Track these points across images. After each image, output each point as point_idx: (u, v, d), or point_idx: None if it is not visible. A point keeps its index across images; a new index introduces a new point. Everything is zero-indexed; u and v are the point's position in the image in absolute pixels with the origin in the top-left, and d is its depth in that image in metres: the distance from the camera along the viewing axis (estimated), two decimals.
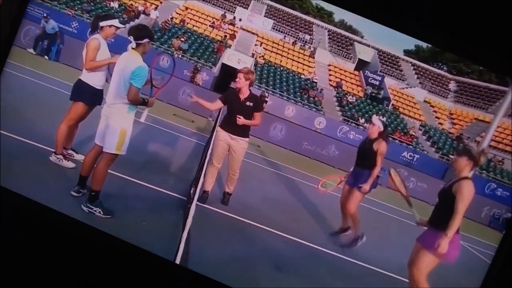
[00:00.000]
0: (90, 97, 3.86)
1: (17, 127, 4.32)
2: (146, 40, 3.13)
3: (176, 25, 19.05)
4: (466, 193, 2.93)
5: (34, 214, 2.18)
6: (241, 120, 4.00)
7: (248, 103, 4.08)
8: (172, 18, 19.55)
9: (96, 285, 2.08)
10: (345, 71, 21.92)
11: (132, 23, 17.16)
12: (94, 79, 3.85)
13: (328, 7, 37.29)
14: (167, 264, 2.14)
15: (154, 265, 2.14)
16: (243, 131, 4.14)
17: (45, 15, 12.46)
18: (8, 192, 2.17)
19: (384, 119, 18.45)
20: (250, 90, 4.15)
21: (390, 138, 16.08)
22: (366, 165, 4.25)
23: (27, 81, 7.63)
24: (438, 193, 3.19)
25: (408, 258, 3.23)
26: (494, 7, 1.86)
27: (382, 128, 4.27)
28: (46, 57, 12.23)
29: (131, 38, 3.09)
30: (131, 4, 19.43)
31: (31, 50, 11.90)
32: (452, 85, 24.07)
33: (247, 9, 23.15)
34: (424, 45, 34.91)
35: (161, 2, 20.98)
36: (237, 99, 4.09)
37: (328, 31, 25.02)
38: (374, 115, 4.63)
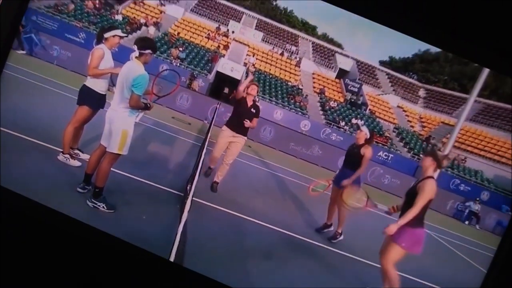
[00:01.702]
0: (95, 101, 3.81)
1: (26, 128, 4.24)
2: (148, 51, 3.09)
3: (180, 39, 18.95)
4: (428, 190, 2.95)
5: (34, 214, 2.00)
6: (247, 123, 4.49)
7: (252, 110, 4.60)
8: (178, 33, 19.42)
9: (95, 284, 1.94)
10: (327, 79, 22.07)
11: (134, 34, 16.99)
12: (98, 85, 3.79)
13: (312, 21, 37.50)
14: (164, 263, 1.99)
15: (151, 263, 2.01)
16: (244, 131, 4.62)
17: None
18: (8, 192, 2.00)
19: (362, 122, 18.64)
20: (252, 99, 4.63)
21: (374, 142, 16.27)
22: (353, 166, 4.31)
23: (40, 87, 7.48)
24: (405, 194, 3.19)
25: (380, 247, 3.27)
26: (494, 7, 1.70)
27: (368, 135, 4.36)
28: (22, 51, 11.28)
29: (135, 47, 3.06)
30: (134, 17, 19.24)
31: (21, 52, 11.17)
32: (421, 92, 24.45)
33: (239, 22, 23.13)
34: (397, 56, 35.41)
35: (161, 13, 20.81)
36: (245, 105, 4.57)
37: (312, 43, 25.16)
38: (364, 126, 4.74)
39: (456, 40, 1.75)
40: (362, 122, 18.64)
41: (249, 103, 4.58)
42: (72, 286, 1.90)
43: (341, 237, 4.43)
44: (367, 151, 4.26)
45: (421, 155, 17.40)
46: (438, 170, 3.15)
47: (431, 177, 3.03)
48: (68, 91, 7.49)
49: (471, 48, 1.76)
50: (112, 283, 1.96)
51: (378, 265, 3.47)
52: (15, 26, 1.85)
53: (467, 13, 1.71)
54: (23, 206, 2.00)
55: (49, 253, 1.90)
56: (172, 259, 1.80)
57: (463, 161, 17.99)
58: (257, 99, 15.90)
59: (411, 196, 3.03)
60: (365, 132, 4.35)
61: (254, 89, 4.57)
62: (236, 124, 4.57)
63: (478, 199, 12.61)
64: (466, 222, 11.97)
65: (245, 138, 4.68)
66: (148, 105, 3.16)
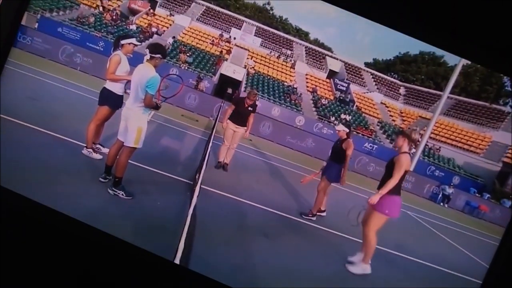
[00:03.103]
0: (113, 101, 3.77)
1: (56, 127, 4.22)
2: (158, 55, 3.05)
3: (188, 45, 18.78)
4: (403, 162, 2.98)
5: (35, 214, 1.78)
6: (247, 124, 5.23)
7: (249, 108, 5.17)
8: (181, 43, 19.22)
9: (95, 284, 1.74)
10: (319, 79, 21.92)
11: (147, 41, 16.84)
12: (116, 87, 3.75)
13: (305, 27, 37.12)
14: (165, 263, 1.78)
15: (152, 263, 1.79)
16: (242, 123, 5.21)
17: None
18: (8, 192, 1.79)
19: (350, 117, 18.57)
20: (251, 102, 5.12)
21: (354, 133, 16.23)
22: (337, 159, 4.34)
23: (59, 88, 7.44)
24: (385, 166, 3.21)
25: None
26: (494, 7, 1.49)
27: (347, 130, 4.38)
28: None
29: (147, 51, 3.03)
30: (146, 27, 19.05)
31: None
32: (402, 90, 24.30)
33: (240, 29, 22.89)
34: (380, 58, 35.15)
35: (170, 25, 20.60)
36: (243, 105, 5.16)
37: (305, 47, 24.93)
38: (340, 124, 4.74)
39: (456, 40, 1.55)
40: (350, 117, 18.57)
41: (247, 104, 5.13)
42: (72, 286, 1.71)
43: (314, 218, 4.41)
44: (348, 145, 4.25)
45: None
46: (413, 145, 3.13)
47: (406, 152, 3.04)
48: (88, 92, 7.46)
49: (471, 48, 1.56)
50: (112, 283, 1.77)
51: (356, 239, 3.48)
52: (15, 26, 1.65)
53: (467, 13, 1.51)
54: (23, 206, 1.79)
55: (49, 253, 1.70)
56: (183, 241, 1.70)
57: (438, 150, 17.97)
58: (257, 98, 15.85)
59: (389, 168, 3.07)
60: (343, 130, 4.37)
61: (252, 99, 5.10)
62: (236, 119, 5.17)
63: (452, 184, 12.63)
64: (441, 204, 12.01)
65: (245, 128, 5.23)
66: (159, 105, 3.16)
